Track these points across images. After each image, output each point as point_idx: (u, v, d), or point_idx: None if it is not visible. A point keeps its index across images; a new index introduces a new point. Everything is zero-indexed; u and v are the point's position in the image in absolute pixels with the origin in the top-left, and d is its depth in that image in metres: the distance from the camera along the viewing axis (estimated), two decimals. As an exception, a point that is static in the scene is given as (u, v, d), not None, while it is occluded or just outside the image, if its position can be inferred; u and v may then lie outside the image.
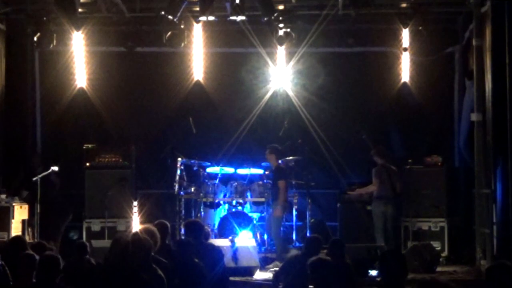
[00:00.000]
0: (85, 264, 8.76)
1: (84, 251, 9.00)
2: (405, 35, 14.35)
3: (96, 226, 13.57)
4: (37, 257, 7.24)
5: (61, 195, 13.92)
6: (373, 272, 11.12)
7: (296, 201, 13.75)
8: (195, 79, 15.02)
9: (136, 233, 7.82)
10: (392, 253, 6.58)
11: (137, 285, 6.95)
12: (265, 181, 13.80)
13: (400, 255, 6.22)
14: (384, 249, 11.64)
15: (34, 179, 13.07)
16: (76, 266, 8.67)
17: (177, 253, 8.26)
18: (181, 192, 13.62)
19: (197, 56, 14.98)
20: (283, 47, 14.28)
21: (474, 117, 12.82)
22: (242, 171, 14.06)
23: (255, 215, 13.68)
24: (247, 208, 13.74)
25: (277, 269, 10.12)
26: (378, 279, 10.13)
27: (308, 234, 13.67)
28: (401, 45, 14.51)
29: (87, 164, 13.90)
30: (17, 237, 9.65)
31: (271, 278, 11.38)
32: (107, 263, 7.86)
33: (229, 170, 14.11)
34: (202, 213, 13.69)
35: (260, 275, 11.67)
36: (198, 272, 7.89)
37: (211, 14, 12.66)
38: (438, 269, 12.18)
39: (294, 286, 8.41)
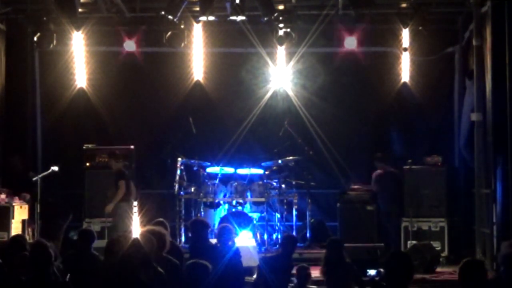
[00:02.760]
0: (88, 257, 8.74)
1: (89, 239, 8.96)
2: (405, 35, 14.34)
3: (96, 226, 13.56)
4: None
5: (61, 195, 13.92)
6: (372, 272, 11.11)
7: (296, 201, 13.74)
8: (195, 79, 15.03)
9: (142, 233, 7.81)
10: (400, 255, 6.57)
11: (136, 285, 6.96)
12: (265, 181, 13.80)
13: (408, 258, 6.21)
14: (383, 249, 11.65)
15: (34, 179, 13.08)
16: (78, 257, 8.68)
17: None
18: (181, 192, 13.62)
19: (197, 56, 14.98)
20: (283, 47, 14.29)
21: (474, 117, 12.83)
22: (242, 171, 14.05)
23: (255, 215, 13.68)
24: (247, 208, 13.74)
25: None
26: (377, 278, 10.12)
27: (308, 234, 13.71)
28: (401, 45, 14.51)
29: (87, 164, 13.90)
30: (17, 236, 9.64)
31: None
32: (106, 262, 7.87)
33: (229, 170, 14.11)
34: (202, 213, 13.68)
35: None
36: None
37: (211, 14, 12.68)
38: (438, 269, 12.18)
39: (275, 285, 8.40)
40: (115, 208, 12.79)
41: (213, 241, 9.72)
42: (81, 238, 9.08)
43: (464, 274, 6.18)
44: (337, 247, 8.90)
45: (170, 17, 12.57)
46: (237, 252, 8.93)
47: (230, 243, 9.10)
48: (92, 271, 8.23)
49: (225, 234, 9.05)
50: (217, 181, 13.72)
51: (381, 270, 10.19)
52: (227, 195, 13.72)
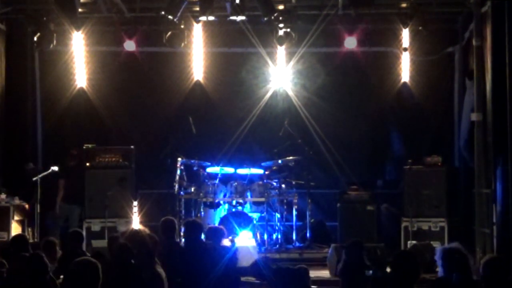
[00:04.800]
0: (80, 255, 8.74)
1: (79, 239, 8.98)
2: (405, 35, 14.36)
3: (96, 226, 13.55)
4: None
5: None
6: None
7: (296, 201, 13.74)
8: (195, 79, 15.03)
9: (137, 232, 7.81)
10: (406, 254, 6.57)
11: (137, 284, 6.96)
12: (265, 181, 13.80)
13: (415, 258, 6.22)
14: (383, 249, 11.66)
15: (34, 179, 13.09)
16: (72, 257, 8.67)
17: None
18: (181, 192, 13.61)
19: (197, 56, 14.98)
20: (283, 47, 14.29)
21: (474, 117, 12.82)
22: (242, 171, 14.05)
23: (255, 215, 13.68)
24: (247, 208, 13.73)
25: None
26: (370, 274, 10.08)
27: (308, 234, 13.69)
28: (401, 45, 14.52)
29: (87, 164, 13.89)
30: (18, 235, 9.64)
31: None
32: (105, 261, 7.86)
33: (229, 170, 14.10)
34: (202, 213, 13.68)
35: (260, 275, 11.65)
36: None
37: (211, 14, 12.67)
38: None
39: None
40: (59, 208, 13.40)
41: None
42: (71, 238, 9.09)
43: (487, 271, 6.21)
44: (358, 250, 8.83)
45: (170, 17, 12.57)
46: (229, 253, 8.89)
47: (222, 243, 9.05)
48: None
49: (213, 236, 9.01)
50: (217, 181, 13.71)
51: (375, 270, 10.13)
52: (227, 195, 13.72)
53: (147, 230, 8.06)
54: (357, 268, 8.43)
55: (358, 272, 8.40)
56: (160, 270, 7.37)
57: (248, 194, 13.70)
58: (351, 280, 8.43)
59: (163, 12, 12.63)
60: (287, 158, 13.77)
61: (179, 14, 12.64)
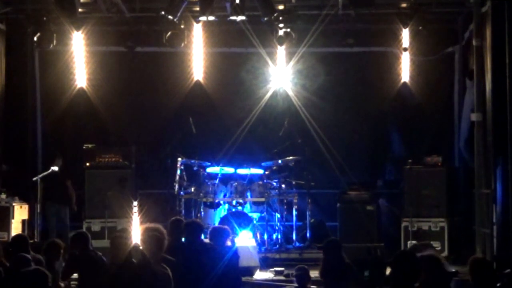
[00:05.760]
0: (89, 255, 8.75)
1: (85, 241, 8.99)
2: (405, 35, 14.34)
3: (96, 226, 13.57)
4: None
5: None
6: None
7: (296, 201, 13.75)
8: (195, 79, 15.02)
9: (145, 231, 7.81)
10: (407, 254, 6.57)
11: (137, 284, 6.97)
12: (265, 181, 13.81)
13: (415, 257, 6.22)
14: (383, 249, 11.67)
15: (34, 179, 13.09)
16: (79, 258, 8.70)
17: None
18: (181, 192, 13.62)
19: (197, 56, 14.98)
20: (283, 47, 14.29)
21: (474, 117, 12.82)
22: (242, 171, 14.06)
23: (255, 215, 13.68)
24: (247, 208, 13.74)
25: None
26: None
27: (308, 234, 13.69)
28: (401, 45, 14.50)
29: (87, 164, 13.90)
30: (18, 235, 9.64)
31: (271, 278, 11.43)
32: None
33: (229, 170, 14.11)
34: (202, 213, 13.69)
35: (260, 275, 11.68)
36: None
37: (211, 14, 12.66)
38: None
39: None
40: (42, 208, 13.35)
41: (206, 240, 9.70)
42: (77, 240, 9.07)
43: (475, 271, 6.23)
44: (335, 248, 8.85)
45: (170, 17, 12.56)
46: (233, 253, 8.89)
47: (226, 244, 9.06)
48: (94, 271, 8.26)
49: (216, 236, 9.02)
50: (217, 181, 13.72)
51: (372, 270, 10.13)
52: (227, 195, 13.73)
53: (159, 227, 8.03)
54: (337, 268, 8.42)
55: (339, 272, 8.39)
56: (164, 269, 7.36)
57: (248, 194, 13.71)
58: (332, 280, 8.43)
59: (163, 12, 12.62)
60: (287, 158, 13.78)
61: (179, 14, 12.64)
